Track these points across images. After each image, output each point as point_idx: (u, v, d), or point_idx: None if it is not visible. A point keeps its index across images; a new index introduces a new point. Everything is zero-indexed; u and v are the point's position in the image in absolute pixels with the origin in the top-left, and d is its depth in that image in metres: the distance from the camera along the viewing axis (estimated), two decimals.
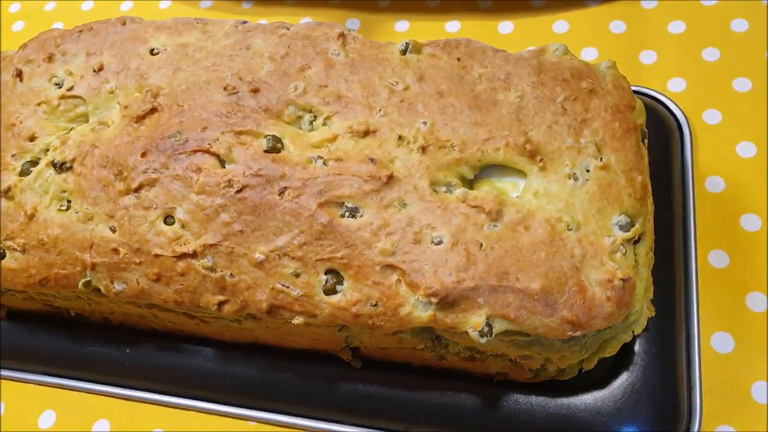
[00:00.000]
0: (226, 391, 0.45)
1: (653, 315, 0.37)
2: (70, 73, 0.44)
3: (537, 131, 0.37)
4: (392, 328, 0.35)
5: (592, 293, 0.34)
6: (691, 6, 0.56)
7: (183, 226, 0.38)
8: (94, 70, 0.43)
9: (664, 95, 0.51)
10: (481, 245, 0.34)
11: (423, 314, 0.34)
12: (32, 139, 0.43)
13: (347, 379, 0.43)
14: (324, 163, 0.37)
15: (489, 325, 0.34)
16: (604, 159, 0.36)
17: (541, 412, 0.41)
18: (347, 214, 0.36)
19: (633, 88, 0.49)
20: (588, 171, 0.36)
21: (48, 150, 0.42)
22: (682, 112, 0.50)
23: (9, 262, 0.42)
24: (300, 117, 0.39)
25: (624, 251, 0.34)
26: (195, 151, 0.38)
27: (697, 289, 0.44)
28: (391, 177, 0.36)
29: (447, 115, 0.37)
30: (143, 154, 0.39)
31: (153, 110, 0.40)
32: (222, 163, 0.38)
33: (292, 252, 0.36)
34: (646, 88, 0.52)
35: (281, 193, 0.36)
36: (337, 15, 0.62)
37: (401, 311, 0.35)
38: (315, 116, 0.39)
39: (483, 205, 0.35)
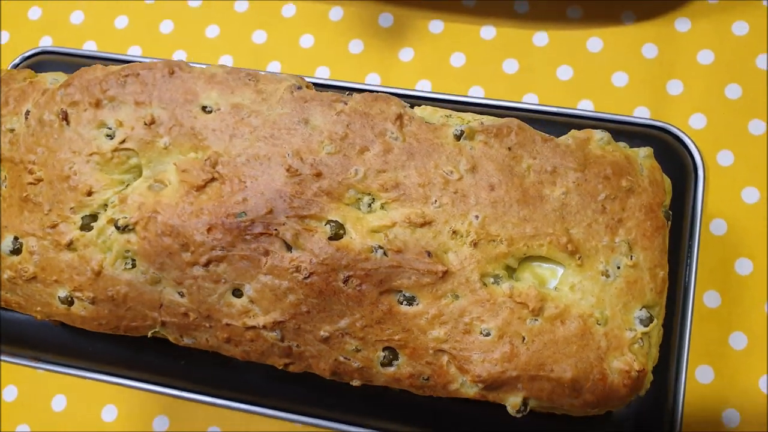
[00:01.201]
0: (280, 399, 0.52)
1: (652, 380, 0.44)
2: (121, 124, 0.44)
3: (578, 229, 0.40)
4: (440, 396, 0.41)
5: (612, 380, 0.40)
6: (721, 34, 0.56)
7: (251, 301, 0.41)
8: (146, 123, 0.44)
9: (686, 134, 0.53)
10: (524, 338, 0.39)
11: (470, 391, 0.40)
12: (90, 193, 0.44)
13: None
14: (384, 253, 0.40)
15: (525, 404, 0.40)
16: (634, 258, 0.40)
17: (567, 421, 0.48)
18: (405, 302, 0.40)
19: (658, 123, 0.53)
20: (618, 268, 0.41)
21: (106, 205, 0.44)
22: (700, 155, 0.53)
23: (78, 309, 0.45)
24: (359, 199, 0.42)
25: (641, 343, 0.40)
26: (262, 234, 0.41)
27: (690, 328, 0.50)
28: (446, 272, 0.40)
29: (497, 209, 0.40)
30: (209, 230, 0.41)
31: (213, 179, 0.42)
32: (288, 247, 0.41)
33: (353, 333, 0.40)
34: (670, 124, 0.54)
35: (345, 281, 0.40)
36: (371, 8, 0.61)
37: (450, 387, 0.41)
38: (373, 199, 0.42)
39: (527, 302, 0.39)
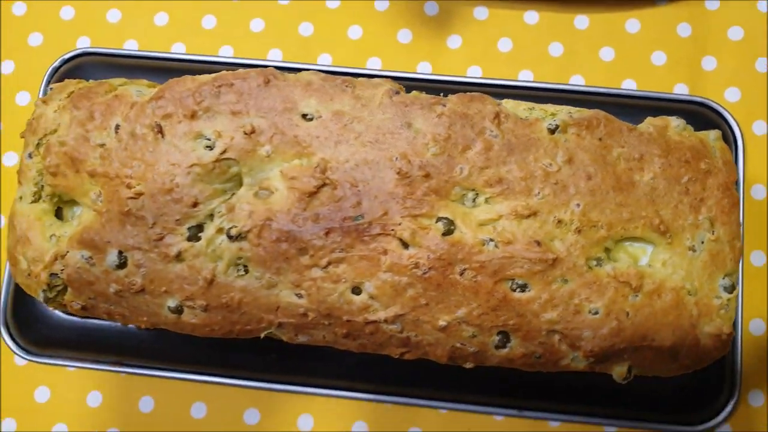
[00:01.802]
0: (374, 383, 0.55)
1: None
2: (220, 134, 0.45)
3: (666, 210, 0.44)
4: (549, 371, 0.45)
5: (704, 344, 0.44)
6: (748, 11, 0.60)
7: (371, 298, 0.44)
8: (246, 132, 0.45)
9: (724, 108, 0.58)
10: (628, 313, 0.43)
11: (579, 364, 0.44)
12: (195, 205, 0.45)
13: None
14: (495, 245, 0.43)
15: (629, 372, 0.44)
16: (715, 232, 0.45)
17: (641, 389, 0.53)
18: (518, 289, 0.43)
19: (698, 99, 0.57)
20: (702, 243, 0.45)
21: (212, 215, 0.45)
22: (739, 127, 0.58)
23: (189, 317, 0.46)
24: (464, 195, 0.44)
25: (727, 308, 0.45)
26: (379, 235, 0.43)
27: (742, 285, 0.56)
28: (555, 260, 0.43)
29: (596, 197, 0.44)
30: (327, 234, 0.43)
31: (324, 185, 0.44)
32: (405, 245, 0.43)
33: (470, 321, 0.43)
34: (709, 99, 0.58)
35: (461, 273, 0.43)
36: None
37: (561, 362, 0.44)
38: (477, 194, 0.44)
39: (629, 280, 0.43)
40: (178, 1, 0.63)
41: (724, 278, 0.45)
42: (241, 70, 0.46)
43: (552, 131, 0.45)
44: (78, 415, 0.58)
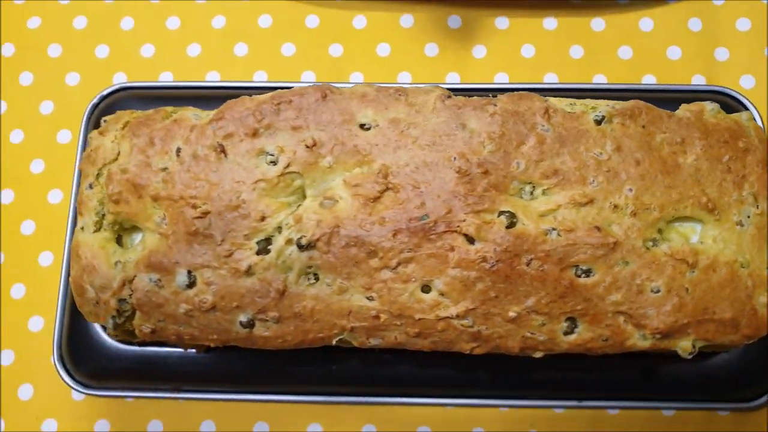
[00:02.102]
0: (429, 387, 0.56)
1: None
2: (282, 150, 0.47)
3: (711, 189, 0.47)
4: (616, 352, 0.47)
5: (761, 313, 0.46)
6: (753, 3, 0.64)
7: (442, 294, 0.45)
8: (307, 146, 0.47)
9: (742, 95, 0.61)
10: (687, 289, 0.45)
11: (645, 343, 0.46)
12: (263, 219, 0.46)
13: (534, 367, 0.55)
14: (558, 234, 0.45)
15: (694, 345, 0.46)
16: (759, 207, 0.47)
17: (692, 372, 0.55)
18: (582, 275, 0.45)
19: (717, 88, 0.60)
20: (749, 217, 0.47)
21: (280, 227, 0.47)
22: (758, 112, 0.60)
23: (261, 331, 0.47)
24: (522, 188, 0.46)
25: None
26: (445, 232, 0.44)
27: None
28: (616, 243, 0.45)
29: (646, 181, 0.46)
30: (394, 235, 0.45)
31: (387, 189, 0.45)
32: (471, 240, 0.45)
33: (539, 309, 0.45)
34: (727, 88, 0.61)
35: (528, 263, 0.45)
36: (437, 12, 0.64)
37: (627, 342, 0.46)
38: (534, 187, 0.46)
39: (685, 257, 0.45)
40: (210, 31, 0.66)
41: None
42: (297, 87, 0.48)
43: (598, 122, 0.47)
44: None
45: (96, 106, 0.63)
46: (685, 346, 0.46)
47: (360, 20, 0.65)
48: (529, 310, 0.45)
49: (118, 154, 0.50)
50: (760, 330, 0.46)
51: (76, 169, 0.61)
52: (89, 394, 0.58)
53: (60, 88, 0.65)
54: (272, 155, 0.47)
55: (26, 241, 0.62)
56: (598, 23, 0.64)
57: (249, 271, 0.46)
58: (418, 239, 0.45)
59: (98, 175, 0.51)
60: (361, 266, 0.45)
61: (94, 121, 0.63)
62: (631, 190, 0.46)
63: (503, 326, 0.46)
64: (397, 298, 0.45)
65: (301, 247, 0.46)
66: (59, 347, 0.59)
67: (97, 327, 0.58)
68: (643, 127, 0.47)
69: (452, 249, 0.44)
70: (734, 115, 0.50)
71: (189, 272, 0.47)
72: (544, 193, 0.46)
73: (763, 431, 0.56)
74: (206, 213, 0.47)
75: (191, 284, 0.47)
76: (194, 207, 0.47)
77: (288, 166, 0.47)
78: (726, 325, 0.46)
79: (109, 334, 0.55)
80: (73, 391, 0.59)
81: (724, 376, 0.55)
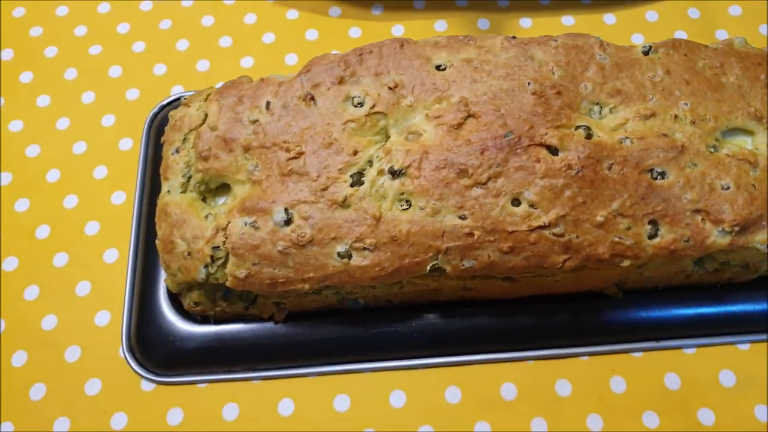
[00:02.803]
0: (511, 340, 0.56)
1: None
2: (367, 93, 0.51)
3: (755, 101, 0.52)
4: (697, 255, 0.49)
5: None
6: None
7: (532, 205, 0.48)
8: (390, 88, 0.51)
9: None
10: (754, 185, 0.49)
11: (723, 240, 0.48)
12: (355, 153, 0.49)
13: (610, 307, 0.56)
14: (631, 142, 0.49)
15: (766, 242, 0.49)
16: None
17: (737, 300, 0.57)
18: (658, 176, 0.48)
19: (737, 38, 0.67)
20: None
21: (371, 161, 0.49)
22: None
23: (357, 261, 0.48)
24: (591, 109, 0.50)
25: None
26: (530, 146, 0.48)
27: None
28: (683, 146, 0.49)
29: (697, 96, 0.51)
30: (482, 152, 0.48)
31: (468, 116, 0.49)
32: (554, 151, 0.48)
33: (624, 211, 0.48)
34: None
35: (609, 168, 0.48)
36: (467, 17, 0.72)
37: (707, 241, 0.48)
38: (601, 107, 0.51)
39: (746, 157, 0.49)
40: (261, 45, 0.71)
41: None
42: (375, 41, 0.53)
43: (646, 53, 0.53)
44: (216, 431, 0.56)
45: (156, 115, 0.67)
46: (761, 239, 0.48)
47: (398, 29, 0.72)
48: (615, 213, 0.48)
49: (205, 117, 0.53)
50: None
51: (139, 171, 0.64)
52: (159, 382, 0.57)
53: (120, 102, 0.69)
54: (359, 97, 0.51)
55: (91, 240, 0.63)
56: (609, 18, 0.73)
57: (345, 203, 0.48)
58: (505, 154, 0.48)
59: (184, 140, 0.54)
60: (451, 186, 0.48)
61: (155, 129, 0.66)
62: (686, 104, 0.51)
63: (592, 233, 0.48)
64: (489, 212, 0.47)
65: (393, 174, 0.48)
66: (128, 338, 0.58)
67: (166, 313, 0.57)
68: (685, 55, 0.53)
69: (538, 160, 0.48)
70: (759, 48, 0.56)
71: (286, 210, 0.49)
72: (611, 111, 0.50)
73: None
74: (300, 154, 0.49)
75: (288, 221, 0.48)
76: (287, 150, 0.50)
77: (374, 106, 0.50)
78: None
79: (188, 307, 0.55)
80: (142, 381, 0.57)
81: None
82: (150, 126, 0.66)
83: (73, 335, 0.59)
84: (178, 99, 0.67)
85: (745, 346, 0.58)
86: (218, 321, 0.57)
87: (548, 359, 0.57)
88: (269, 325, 0.57)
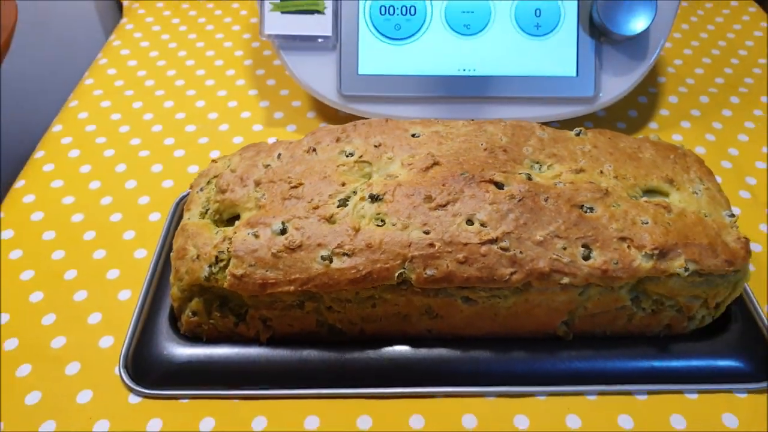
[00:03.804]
0: (473, 375, 0.61)
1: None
2: (357, 148, 0.65)
3: (668, 172, 0.64)
4: (627, 279, 0.57)
5: (732, 246, 0.59)
6: None
7: (482, 224, 0.58)
8: (375, 146, 0.65)
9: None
10: (669, 223, 0.59)
11: (647, 264, 0.57)
12: (344, 184, 0.61)
13: (562, 349, 0.62)
14: (564, 185, 0.61)
15: (686, 266, 0.57)
16: (705, 185, 0.64)
17: (683, 354, 0.62)
18: (587, 210, 0.59)
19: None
20: (699, 191, 0.64)
21: (355, 191, 0.61)
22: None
23: (337, 264, 0.57)
24: (531, 165, 0.63)
25: (736, 226, 0.61)
26: (481, 182, 0.60)
27: None
28: (607, 190, 0.60)
29: (619, 162, 0.64)
30: (443, 184, 0.60)
31: (435, 164, 0.62)
32: (500, 186, 0.60)
33: (560, 234, 0.57)
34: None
35: (546, 200, 0.59)
36: None
37: (634, 264, 0.57)
38: (540, 165, 0.63)
39: (663, 204, 0.60)
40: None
41: (724, 211, 0.62)
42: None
43: (577, 135, 0.67)
44: None
45: (183, 198, 0.81)
46: (679, 264, 0.57)
47: None
48: (552, 234, 0.57)
49: (228, 166, 0.67)
50: (736, 258, 0.58)
51: (162, 234, 0.76)
52: (146, 395, 0.62)
53: (156, 188, 0.83)
54: (350, 150, 0.65)
55: (110, 282, 0.72)
56: None
57: (331, 219, 0.59)
58: (461, 186, 0.59)
59: (208, 183, 0.66)
60: (418, 208, 0.59)
61: (181, 207, 0.79)
62: (610, 166, 0.63)
63: (534, 249, 0.57)
64: (448, 228, 0.58)
65: (372, 198, 0.60)
66: (125, 358, 0.64)
67: (163, 337, 0.64)
68: (609, 138, 0.67)
69: (487, 191, 0.59)
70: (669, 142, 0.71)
71: (282, 222, 0.59)
72: (548, 168, 0.63)
73: None
74: (300, 184, 0.62)
75: (283, 231, 0.59)
76: (290, 182, 0.62)
77: (361, 156, 0.64)
78: (706, 249, 0.58)
79: (185, 320, 0.62)
80: (130, 395, 0.62)
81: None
82: (177, 204, 0.80)
83: (77, 354, 0.65)
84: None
85: (693, 395, 0.62)
86: (209, 340, 0.63)
87: (507, 396, 0.61)
88: (253, 348, 0.63)
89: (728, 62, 1.07)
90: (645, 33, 0.84)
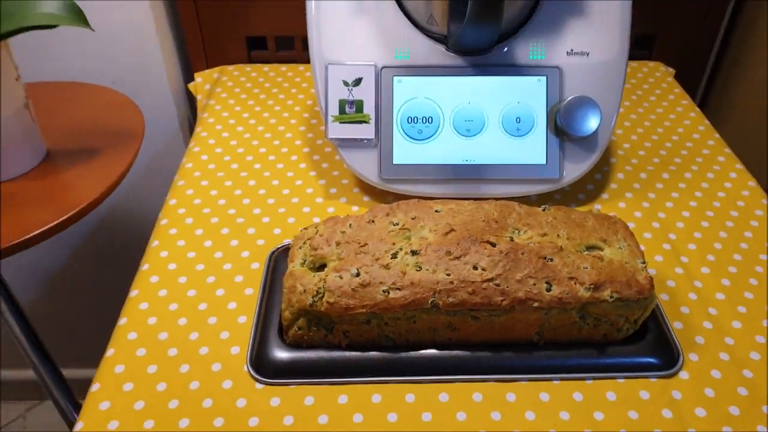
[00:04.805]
0: (479, 367, 0.95)
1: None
2: (400, 220, 1.00)
3: (603, 234, 0.99)
4: (576, 304, 0.91)
5: (642, 282, 0.93)
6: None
7: (483, 269, 0.92)
8: (411, 218, 1.00)
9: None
10: (601, 268, 0.93)
11: (587, 294, 0.91)
12: (393, 244, 0.96)
13: (536, 350, 0.96)
14: (534, 244, 0.95)
15: (612, 295, 0.91)
16: (627, 243, 0.99)
17: (615, 354, 0.96)
18: (549, 260, 0.94)
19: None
20: (623, 247, 0.98)
21: (401, 248, 0.96)
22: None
23: (392, 294, 0.91)
24: (513, 231, 0.98)
25: (645, 269, 0.95)
26: (481, 242, 0.95)
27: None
28: (561, 247, 0.95)
29: (570, 229, 0.99)
30: (457, 244, 0.94)
31: (452, 230, 0.97)
32: (493, 245, 0.95)
33: (531, 275, 0.92)
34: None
35: (522, 254, 0.94)
36: None
37: (578, 294, 0.91)
38: (519, 231, 0.98)
39: (598, 256, 0.95)
40: None
41: (638, 260, 0.97)
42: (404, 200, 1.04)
43: (543, 210, 1.02)
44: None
45: (274, 252, 1.15)
46: (606, 294, 0.91)
47: None
48: (526, 275, 0.92)
49: (316, 232, 1.01)
50: (644, 290, 0.93)
51: (263, 277, 1.10)
52: (267, 383, 0.94)
53: (253, 246, 1.18)
54: (396, 222, 1.00)
55: (231, 311, 1.06)
56: None
57: (387, 266, 0.93)
58: (468, 245, 0.94)
59: (304, 243, 1.01)
60: (442, 260, 0.93)
61: (274, 259, 1.14)
62: (564, 231, 0.98)
63: (515, 285, 0.91)
64: (461, 272, 0.92)
65: (413, 253, 0.94)
66: (250, 360, 0.97)
67: (274, 346, 0.98)
68: (564, 212, 1.02)
69: (485, 248, 0.94)
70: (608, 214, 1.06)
71: (357, 269, 0.94)
72: (524, 233, 0.98)
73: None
74: (365, 245, 0.96)
75: (358, 274, 0.93)
76: (359, 243, 0.97)
77: (403, 226, 0.99)
78: (625, 284, 0.92)
79: (293, 333, 0.96)
80: (256, 383, 0.95)
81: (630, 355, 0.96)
82: (270, 257, 1.14)
83: (217, 358, 0.98)
84: (287, 246, 1.16)
85: (621, 380, 0.95)
86: (307, 347, 0.96)
87: (501, 381, 0.95)
88: (336, 351, 0.96)
89: (663, 146, 1.44)
90: (594, 133, 1.20)
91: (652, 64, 1.75)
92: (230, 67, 1.69)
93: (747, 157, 1.44)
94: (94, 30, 1.04)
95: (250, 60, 1.76)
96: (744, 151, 1.49)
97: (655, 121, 1.52)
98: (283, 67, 1.69)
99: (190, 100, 1.86)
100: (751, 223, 1.23)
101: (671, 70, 1.74)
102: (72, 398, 1.70)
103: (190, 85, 1.72)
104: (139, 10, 1.56)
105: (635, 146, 1.44)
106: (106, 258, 1.89)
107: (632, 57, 1.75)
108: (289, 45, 1.76)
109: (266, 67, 1.69)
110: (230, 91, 1.61)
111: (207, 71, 1.70)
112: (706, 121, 1.52)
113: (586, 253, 0.97)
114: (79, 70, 1.61)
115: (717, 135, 1.48)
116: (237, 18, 1.68)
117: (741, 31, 1.85)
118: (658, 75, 1.69)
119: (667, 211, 1.26)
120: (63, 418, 1.77)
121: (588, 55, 1.20)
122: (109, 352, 1.00)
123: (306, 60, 1.31)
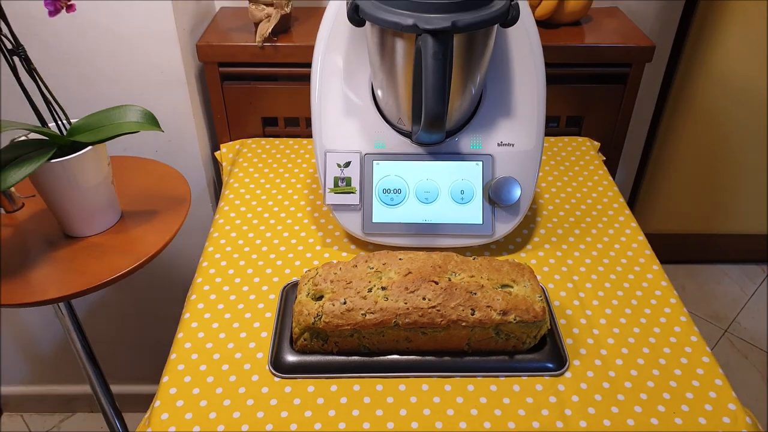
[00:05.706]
0: (428, 368, 1.38)
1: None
2: (376, 264, 1.44)
3: (514, 276, 1.44)
4: (490, 325, 1.36)
5: (537, 309, 1.38)
6: None
7: (429, 299, 1.37)
8: (382, 264, 1.44)
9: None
10: (509, 300, 1.38)
11: (498, 317, 1.36)
12: (369, 281, 1.40)
13: (466, 356, 1.40)
14: (464, 282, 1.40)
15: (515, 319, 1.36)
16: (531, 282, 1.44)
17: (520, 360, 1.40)
18: (474, 294, 1.38)
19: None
20: (527, 285, 1.43)
21: (375, 284, 1.40)
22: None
23: (369, 316, 1.36)
24: (451, 273, 1.43)
25: (542, 301, 1.40)
26: (428, 281, 1.39)
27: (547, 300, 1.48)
28: (482, 285, 1.40)
29: (490, 272, 1.44)
30: (412, 282, 1.39)
31: (409, 273, 1.42)
32: (437, 283, 1.39)
33: (461, 303, 1.36)
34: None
35: (455, 289, 1.38)
36: None
37: (492, 317, 1.36)
38: (455, 273, 1.43)
39: (509, 291, 1.40)
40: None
41: (537, 295, 1.41)
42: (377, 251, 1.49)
43: (473, 259, 1.47)
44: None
45: (286, 287, 1.60)
46: (512, 317, 1.36)
47: None
48: (458, 304, 1.36)
49: (317, 273, 1.46)
50: (538, 315, 1.37)
51: (278, 304, 1.54)
52: (283, 377, 1.38)
53: (270, 282, 1.62)
54: (372, 266, 1.44)
55: (256, 329, 1.49)
56: None
57: (365, 297, 1.38)
58: (420, 283, 1.39)
59: (308, 281, 1.45)
60: (402, 293, 1.38)
61: (285, 292, 1.58)
62: (485, 274, 1.43)
63: (450, 311, 1.36)
64: (414, 301, 1.37)
65: (382, 289, 1.39)
66: (271, 362, 1.41)
67: (287, 352, 1.41)
68: (488, 261, 1.47)
69: (431, 285, 1.39)
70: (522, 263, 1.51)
71: (344, 299, 1.38)
72: (458, 275, 1.43)
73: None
74: (350, 282, 1.41)
75: (345, 302, 1.37)
76: (346, 281, 1.41)
77: (377, 269, 1.43)
78: (525, 311, 1.37)
79: (300, 343, 1.40)
80: (275, 378, 1.38)
81: (534, 361, 1.40)
82: (282, 290, 1.58)
83: (246, 361, 1.42)
84: (296, 282, 1.60)
85: (525, 377, 1.39)
86: (309, 353, 1.40)
87: (442, 377, 1.38)
88: (330, 355, 1.40)
89: (579, 208, 1.90)
90: (517, 202, 1.66)
91: (581, 139, 2.22)
92: (249, 140, 2.16)
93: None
94: (163, 131, 1.48)
95: (264, 134, 2.23)
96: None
97: (576, 187, 1.98)
98: (291, 141, 2.16)
99: (215, 164, 2.32)
100: (634, 269, 1.68)
101: (596, 144, 2.22)
102: (117, 409, 2.12)
103: (216, 153, 2.18)
104: (180, 98, 2.03)
105: (557, 208, 1.90)
106: (148, 291, 2.33)
107: (566, 133, 2.24)
108: (295, 123, 2.23)
109: (277, 141, 2.16)
110: (249, 160, 2.07)
111: (230, 143, 2.16)
112: (615, 188, 1.98)
113: (500, 289, 1.42)
114: (129, 140, 2.07)
115: (621, 199, 1.94)
116: (254, 102, 2.15)
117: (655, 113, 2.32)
118: (584, 149, 2.17)
119: (575, 258, 1.72)
120: (108, 426, 2.18)
121: (513, 145, 1.67)
122: (172, 356, 1.43)
123: (308, 135, 1.78)
